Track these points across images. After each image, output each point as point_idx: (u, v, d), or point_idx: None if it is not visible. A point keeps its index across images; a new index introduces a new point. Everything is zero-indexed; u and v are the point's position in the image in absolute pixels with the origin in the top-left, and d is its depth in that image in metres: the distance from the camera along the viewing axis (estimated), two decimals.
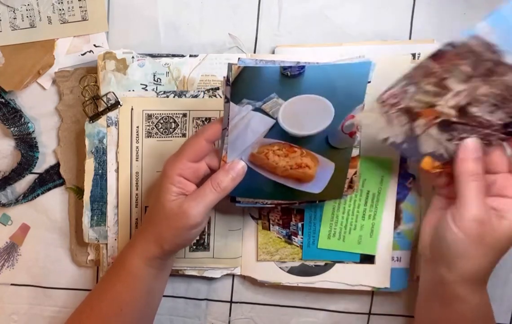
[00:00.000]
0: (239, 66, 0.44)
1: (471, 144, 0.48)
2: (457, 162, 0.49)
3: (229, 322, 0.67)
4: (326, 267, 0.63)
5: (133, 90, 0.58)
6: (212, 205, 0.49)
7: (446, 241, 0.49)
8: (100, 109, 0.58)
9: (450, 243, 0.49)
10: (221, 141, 0.49)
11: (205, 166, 0.50)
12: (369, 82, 0.47)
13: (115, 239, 0.61)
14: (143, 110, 0.58)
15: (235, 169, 0.49)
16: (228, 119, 0.47)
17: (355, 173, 0.52)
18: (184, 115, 0.58)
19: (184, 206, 0.48)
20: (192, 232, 0.50)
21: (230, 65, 0.44)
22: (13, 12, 0.58)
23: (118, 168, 0.59)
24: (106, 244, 0.61)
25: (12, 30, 0.59)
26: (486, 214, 0.48)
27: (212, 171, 0.51)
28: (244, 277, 0.65)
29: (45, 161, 0.63)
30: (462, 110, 0.46)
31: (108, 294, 0.53)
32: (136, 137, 0.58)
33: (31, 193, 0.62)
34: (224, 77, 0.46)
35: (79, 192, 0.62)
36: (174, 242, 0.51)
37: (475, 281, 0.50)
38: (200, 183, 0.50)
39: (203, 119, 0.58)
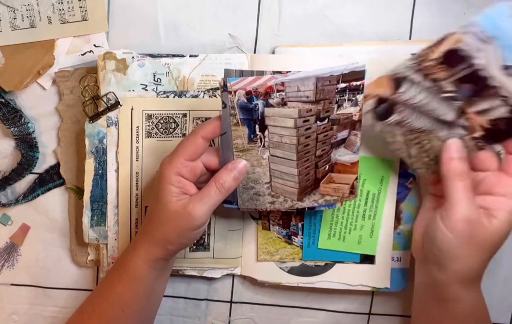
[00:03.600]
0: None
1: (454, 144, 0.49)
2: (443, 162, 0.49)
3: (229, 322, 0.67)
4: (326, 267, 0.63)
5: (133, 90, 0.58)
6: (217, 205, 0.50)
7: (436, 242, 0.49)
8: (100, 109, 0.58)
9: (441, 243, 0.49)
10: (221, 146, 0.49)
11: (201, 164, 0.50)
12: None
13: (115, 239, 0.61)
14: (143, 110, 0.58)
15: (237, 168, 0.49)
16: (227, 124, 0.46)
17: (356, 179, 0.52)
18: (184, 115, 0.58)
19: (189, 207, 0.48)
20: (197, 232, 0.50)
21: (226, 71, 0.44)
22: (13, 12, 0.58)
23: (118, 168, 0.59)
24: (106, 244, 0.61)
25: (12, 30, 0.59)
26: (475, 213, 0.48)
27: (208, 169, 0.51)
28: (244, 277, 0.65)
29: (45, 161, 0.63)
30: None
31: (110, 296, 0.53)
32: (136, 137, 0.58)
33: (31, 193, 0.62)
34: (220, 82, 0.45)
35: (79, 192, 0.62)
36: (179, 242, 0.51)
37: (467, 280, 0.50)
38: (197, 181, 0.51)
39: (203, 119, 0.58)
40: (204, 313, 0.66)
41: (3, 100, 0.60)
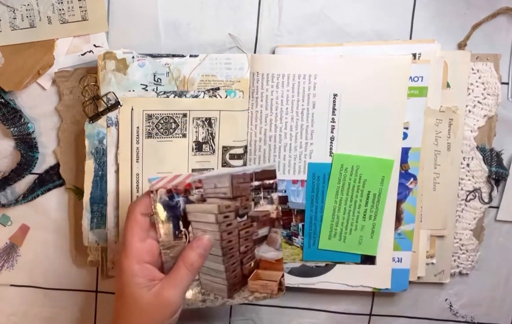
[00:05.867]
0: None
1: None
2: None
3: (229, 323, 0.66)
4: (327, 268, 0.62)
5: (133, 91, 0.58)
6: (189, 286, 0.48)
7: None
8: (100, 109, 0.58)
9: None
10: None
11: (155, 242, 0.49)
12: None
13: (115, 242, 0.60)
14: (143, 111, 0.58)
15: (202, 244, 0.48)
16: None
17: (282, 275, 0.53)
18: (184, 115, 0.58)
19: (164, 295, 0.46)
20: (175, 317, 0.48)
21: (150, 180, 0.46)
22: (13, 12, 0.58)
23: (118, 169, 0.59)
24: (106, 247, 0.61)
25: (12, 30, 0.58)
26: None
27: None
28: None
29: (44, 161, 0.63)
30: None
31: None
32: (137, 137, 0.58)
33: (30, 194, 0.62)
34: (151, 192, 0.47)
35: (79, 192, 0.62)
36: None
37: None
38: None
39: (203, 119, 0.58)
40: (204, 315, 0.66)
41: (2, 100, 0.60)
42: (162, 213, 0.47)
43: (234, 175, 0.46)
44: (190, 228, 0.48)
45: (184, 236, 0.49)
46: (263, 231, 0.49)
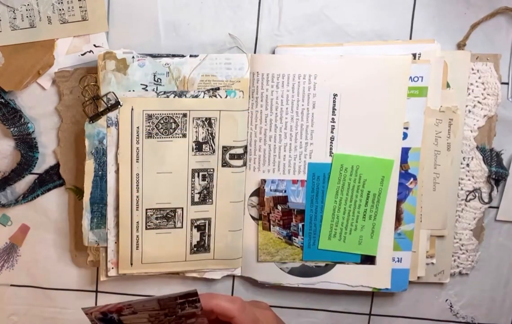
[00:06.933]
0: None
1: None
2: None
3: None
4: (327, 268, 0.62)
5: (133, 91, 0.58)
6: None
7: None
8: (100, 109, 0.58)
9: None
10: None
11: None
12: None
13: (115, 242, 0.60)
14: (143, 111, 0.58)
15: None
16: None
17: None
18: (184, 115, 0.58)
19: None
20: None
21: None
22: (13, 12, 0.58)
23: (118, 169, 0.59)
24: (106, 247, 0.61)
25: (12, 30, 0.58)
26: None
27: None
28: (244, 278, 0.65)
29: (44, 161, 0.63)
30: None
31: None
32: (137, 138, 0.58)
33: (30, 194, 0.62)
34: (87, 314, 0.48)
35: (79, 192, 0.62)
36: None
37: None
38: None
39: (203, 119, 0.58)
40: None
41: (3, 100, 0.60)
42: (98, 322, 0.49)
43: (160, 299, 0.48)
44: None
45: None
46: (191, 321, 0.51)
